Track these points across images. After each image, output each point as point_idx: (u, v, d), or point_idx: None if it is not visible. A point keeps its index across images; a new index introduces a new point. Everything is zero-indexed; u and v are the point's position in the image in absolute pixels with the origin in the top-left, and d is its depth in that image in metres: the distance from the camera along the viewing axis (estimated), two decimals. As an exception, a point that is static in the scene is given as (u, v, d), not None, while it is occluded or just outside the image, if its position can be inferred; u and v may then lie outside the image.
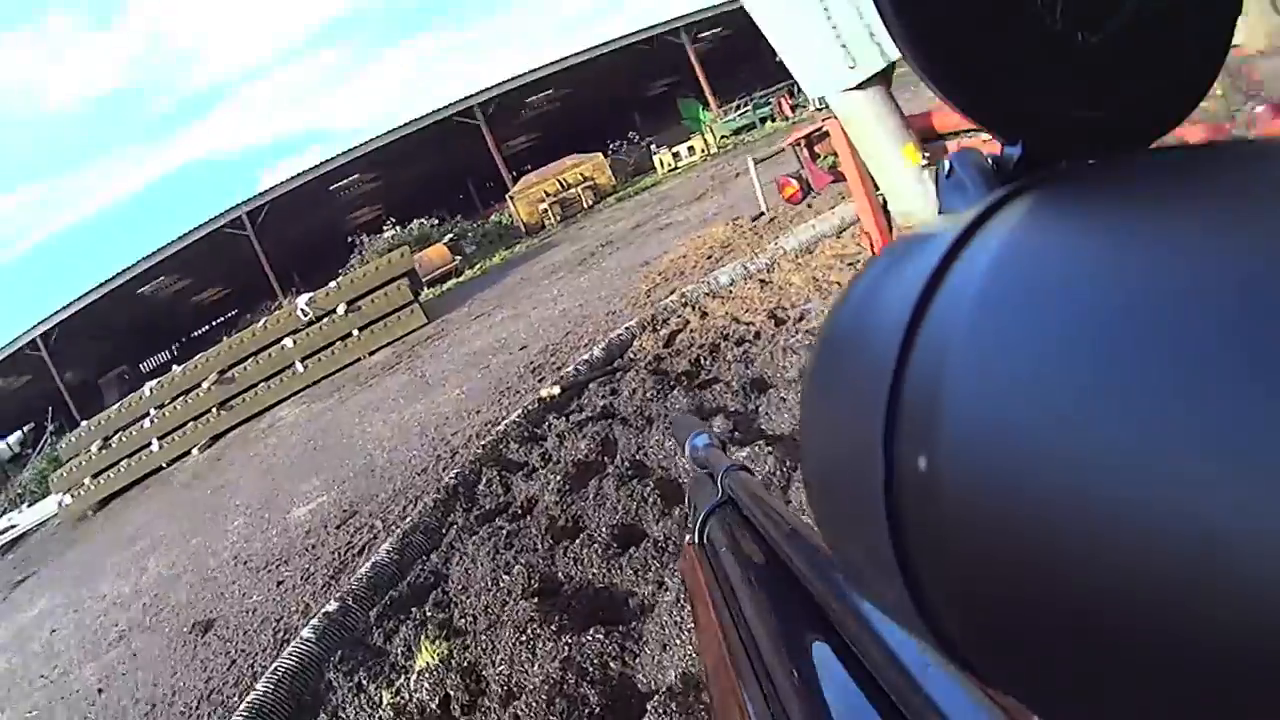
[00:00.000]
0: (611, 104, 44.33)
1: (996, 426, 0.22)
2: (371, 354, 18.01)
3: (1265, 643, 0.17)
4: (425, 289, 24.99)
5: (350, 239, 32.64)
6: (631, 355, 7.64)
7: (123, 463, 17.99)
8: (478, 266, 26.80)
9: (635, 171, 34.57)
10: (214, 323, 48.55)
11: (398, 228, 32.68)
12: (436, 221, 32.87)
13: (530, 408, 7.02)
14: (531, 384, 8.44)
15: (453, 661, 3.88)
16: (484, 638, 3.94)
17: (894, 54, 4.09)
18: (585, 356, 7.81)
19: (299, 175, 35.61)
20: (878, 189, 4.87)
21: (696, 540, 1.01)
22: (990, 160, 0.36)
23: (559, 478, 5.29)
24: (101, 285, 34.59)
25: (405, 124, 35.84)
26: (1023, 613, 0.23)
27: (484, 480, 6.03)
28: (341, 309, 18.53)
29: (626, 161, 35.31)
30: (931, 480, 0.25)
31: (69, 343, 35.62)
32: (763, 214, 8.86)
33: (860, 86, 4.19)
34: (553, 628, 3.68)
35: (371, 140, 35.70)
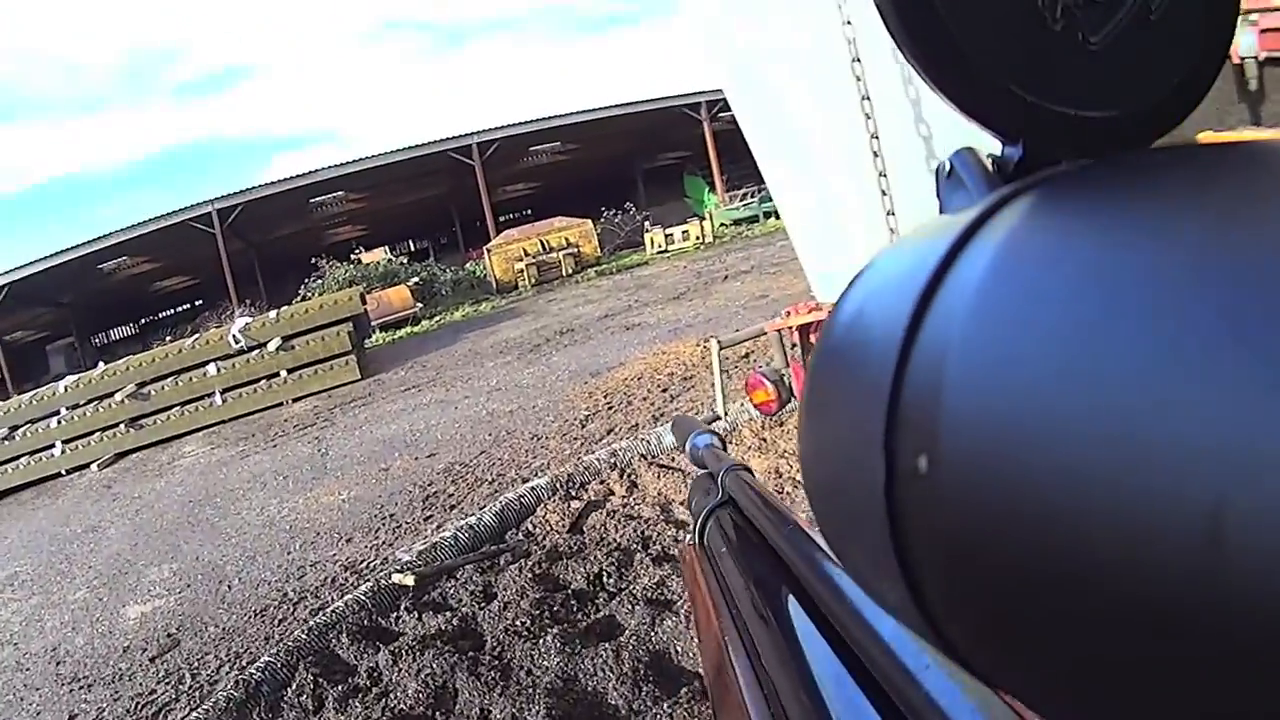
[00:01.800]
0: (617, 168, 43.42)
1: (997, 427, 0.23)
2: (295, 401, 16.61)
3: (1267, 640, 0.17)
4: (377, 332, 23.79)
5: (313, 260, 31.14)
6: (529, 530, 6.05)
7: (24, 459, 16.57)
8: (437, 319, 25.39)
9: (624, 244, 33.29)
10: (177, 309, 47.06)
11: (363, 256, 31.44)
12: (405, 260, 31.51)
13: (384, 583, 5.51)
14: (418, 518, 7.22)
15: None
16: None
17: None
18: (472, 520, 6.19)
19: (279, 182, 34.22)
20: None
21: (696, 540, 1.03)
22: (990, 160, 0.37)
23: (369, 735, 3.78)
24: (59, 254, 33.31)
25: (398, 149, 34.59)
26: (1023, 611, 0.23)
27: (294, 685, 4.58)
28: (274, 344, 17.03)
29: (617, 233, 33.97)
30: (932, 481, 0.25)
31: (18, 305, 34.49)
32: (719, 419, 7.02)
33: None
34: None
35: (360, 160, 34.42)
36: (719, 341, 6.40)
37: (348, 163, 34.31)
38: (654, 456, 6.80)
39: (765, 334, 5.49)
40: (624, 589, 4.69)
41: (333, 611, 5.25)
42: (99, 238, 33.29)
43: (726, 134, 37.67)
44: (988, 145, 0.38)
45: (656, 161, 45.31)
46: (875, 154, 2.88)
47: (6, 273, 32.91)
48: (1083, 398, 0.20)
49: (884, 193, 2.83)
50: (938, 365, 0.25)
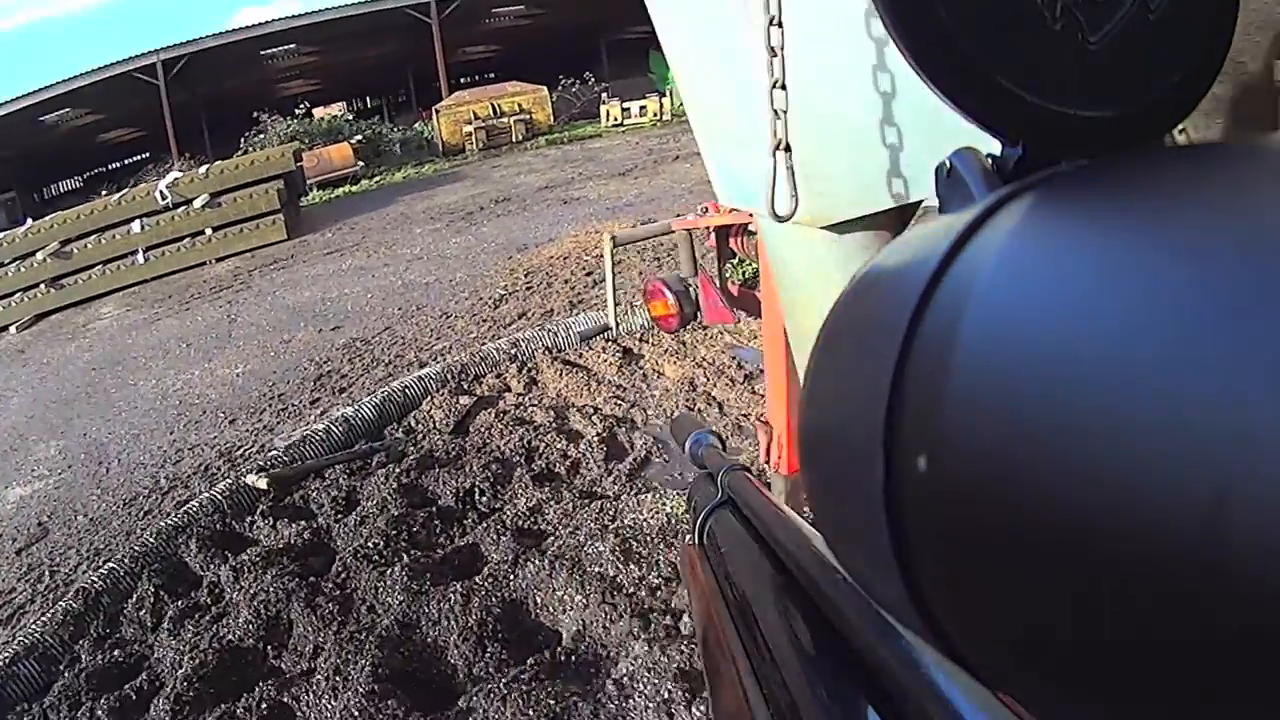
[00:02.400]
0: (582, 37, 42.36)
1: (997, 425, 0.23)
2: (218, 261, 15.91)
3: (1273, 636, 0.17)
4: (314, 190, 22.83)
5: (255, 114, 29.71)
6: (410, 426, 5.50)
7: (-56, 324, 15.82)
8: (377, 179, 24.44)
9: (580, 115, 31.99)
10: (125, 161, 45.63)
11: (316, 112, 30.50)
12: (351, 117, 30.41)
13: (241, 484, 4.95)
14: (305, 400, 6.86)
15: None
16: None
17: (920, 192, 2.14)
18: (350, 411, 5.59)
19: (228, 33, 32.84)
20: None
21: (696, 540, 1.01)
22: (990, 160, 0.36)
23: (193, 665, 3.48)
24: (-7, 106, 32.05)
25: (354, 3, 33.35)
26: (1022, 611, 0.23)
27: (136, 597, 4.16)
28: (200, 201, 16.24)
29: (573, 103, 32.68)
30: (931, 480, 0.25)
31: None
32: (608, 329, 6.26)
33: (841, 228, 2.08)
34: None
35: (315, 12, 33.19)
36: (613, 237, 5.50)
37: (301, 15, 33.17)
38: (559, 350, 6.17)
39: (673, 232, 4.70)
40: (495, 511, 4.20)
41: (186, 512, 4.78)
42: (38, 90, 32.09)
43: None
44: (988, 145, 0.37)
45: (623, 34, 44.16)
46: (774, 49, 2.32)
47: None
48: (1083, 396, 0.20)
49: (779, 84, 2.19)
50: (938, 364, 0.25)
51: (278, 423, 6.45)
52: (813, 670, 0.56)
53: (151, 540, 4.55)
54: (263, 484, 4.75)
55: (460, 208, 15.88)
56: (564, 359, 6.02)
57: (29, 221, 17.70)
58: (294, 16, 33.26)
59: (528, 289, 8.67)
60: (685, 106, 2.66)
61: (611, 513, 3.83)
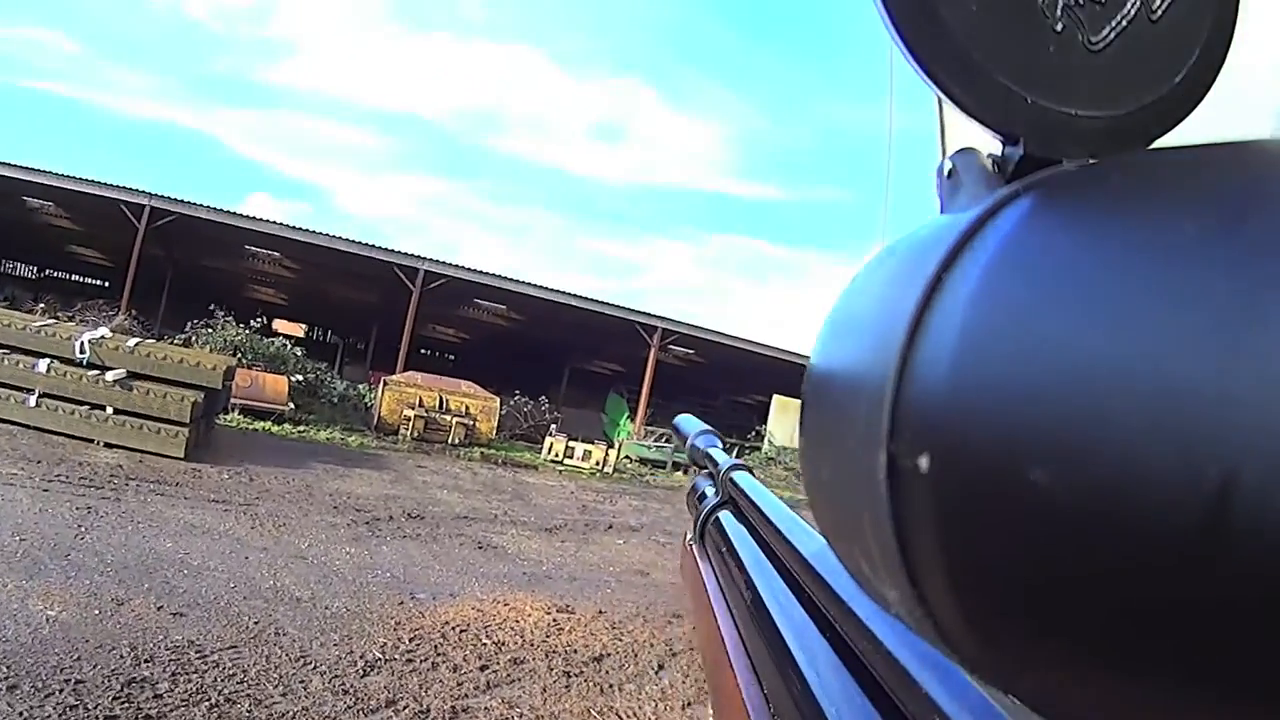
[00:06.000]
0: (550, 354, 42.62)
1: (1000, 425, 0.24)
2: (107, 446, 14.39)
3: (1271, 630, 0.18)
4: (234, 412, 21.42)
5: (210, 307, 28.74)
6: None
7: None
8: (301, 429, 23.15)
9: (523, 436, 31.27)
10: (82, 279, 45.11)
11: (266, 328, 29.63)
12: (301, 351, 29.29)
13: None
14: (101, 713, 5.28)
15: None
16: None
17: None
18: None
19: (223, 212, 32.10)
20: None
21: (696, 540, 1.10)
22: (991, 160, 0.37)
23: None
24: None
25: (346, 239, 32.85)
26: (1025, 611, 0.24)
27: None
28: (115, 375, 14.86)
29: (520, 421, 31.95)
30: (934, 479, 0.26)
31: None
32: None
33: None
34: None
35: (308, 231, 32.63)
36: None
37: (297, 228, 32.62)
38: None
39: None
40: None
41: None
42: (37, 170, 30.80)
43: (670, 367, 36.65)
44: (988, 145, 0.38)
45: (589, 365, 44.51)
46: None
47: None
48: (1085, 394, 0.21)
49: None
50: (940, 366, 0.26)
51: (54, 731, 4.99)
52: (812, 669, 0.59)
53: None
54: None
55: (369, 508, 14.54)
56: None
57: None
58: (290, 227, 32.67)
59: (407, 662, 7.29)
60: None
61: None
